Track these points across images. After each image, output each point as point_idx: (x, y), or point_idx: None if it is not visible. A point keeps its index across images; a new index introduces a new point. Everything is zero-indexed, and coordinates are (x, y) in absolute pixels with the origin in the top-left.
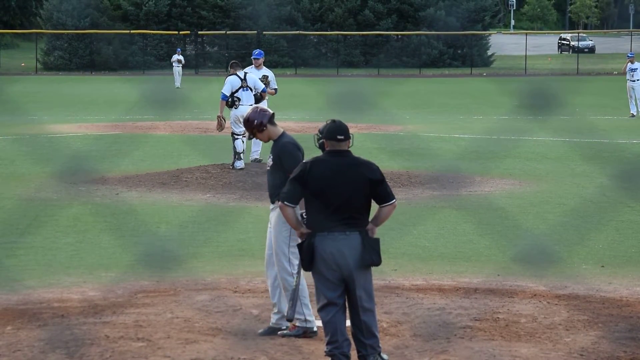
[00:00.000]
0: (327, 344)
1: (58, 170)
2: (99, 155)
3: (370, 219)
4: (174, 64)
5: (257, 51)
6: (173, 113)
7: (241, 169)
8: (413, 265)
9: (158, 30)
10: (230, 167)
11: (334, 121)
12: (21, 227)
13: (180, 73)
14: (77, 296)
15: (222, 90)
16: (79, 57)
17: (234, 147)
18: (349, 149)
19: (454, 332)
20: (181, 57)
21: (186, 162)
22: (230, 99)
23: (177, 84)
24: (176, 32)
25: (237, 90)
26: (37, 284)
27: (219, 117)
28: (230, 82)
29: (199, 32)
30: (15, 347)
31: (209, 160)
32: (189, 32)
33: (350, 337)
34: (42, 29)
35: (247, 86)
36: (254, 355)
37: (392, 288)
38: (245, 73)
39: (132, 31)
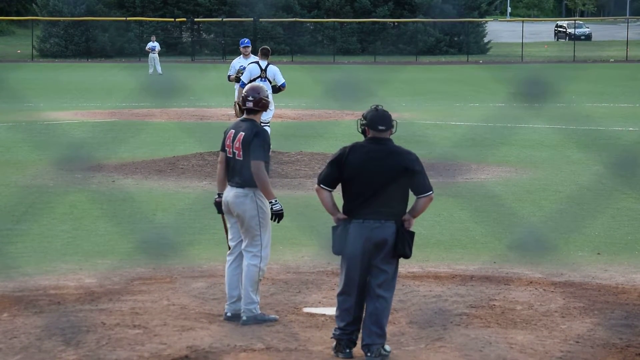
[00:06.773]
0: (338, 328)
1: (54, 158)
2: (95, 142)
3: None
4: (151, 52)
5: (246, 40)
6: (169, 100)
7: None
8: None
9: (154, 17)
10: None
11: (376, 109)
12: (17, 214)
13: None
14: (73, 283)
15: (241, 78)
16: (75, 44)
17: None
18: (391, 136)
19: (450, 320)
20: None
21: (182, 149)
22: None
23: (159, 70)
24: (172, 19)
25: (254, 79)
26: (34, 271)
27: (236, 103)
28: (250, 71)
29: (196, 19)
30: (12, 334)
31: (205, 147)
32: (185, 19)
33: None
34: (38, 16)
35: (266, 77)
36: (250, 342)
37: None
38: (268, 64)
39: (128, 18)
